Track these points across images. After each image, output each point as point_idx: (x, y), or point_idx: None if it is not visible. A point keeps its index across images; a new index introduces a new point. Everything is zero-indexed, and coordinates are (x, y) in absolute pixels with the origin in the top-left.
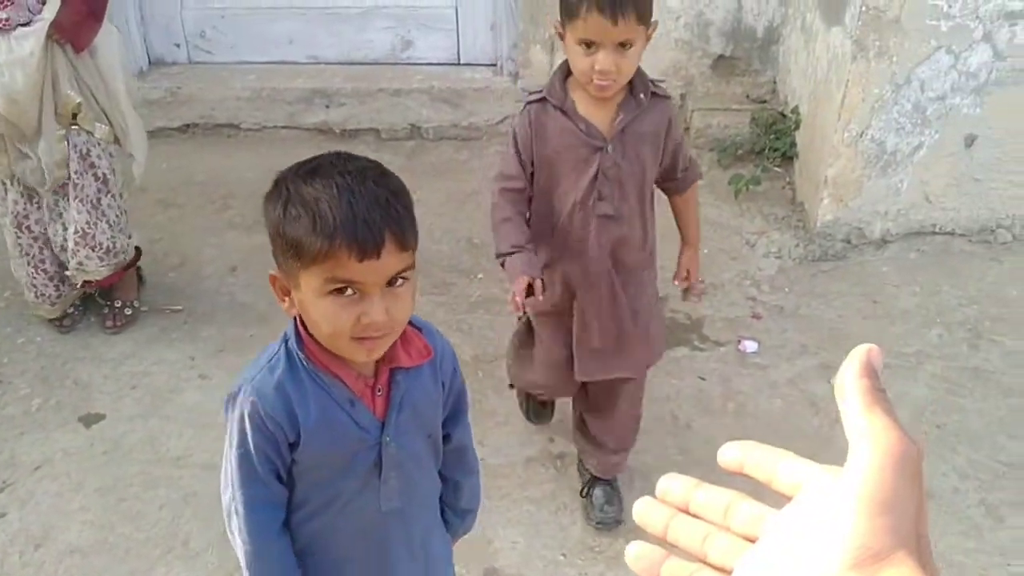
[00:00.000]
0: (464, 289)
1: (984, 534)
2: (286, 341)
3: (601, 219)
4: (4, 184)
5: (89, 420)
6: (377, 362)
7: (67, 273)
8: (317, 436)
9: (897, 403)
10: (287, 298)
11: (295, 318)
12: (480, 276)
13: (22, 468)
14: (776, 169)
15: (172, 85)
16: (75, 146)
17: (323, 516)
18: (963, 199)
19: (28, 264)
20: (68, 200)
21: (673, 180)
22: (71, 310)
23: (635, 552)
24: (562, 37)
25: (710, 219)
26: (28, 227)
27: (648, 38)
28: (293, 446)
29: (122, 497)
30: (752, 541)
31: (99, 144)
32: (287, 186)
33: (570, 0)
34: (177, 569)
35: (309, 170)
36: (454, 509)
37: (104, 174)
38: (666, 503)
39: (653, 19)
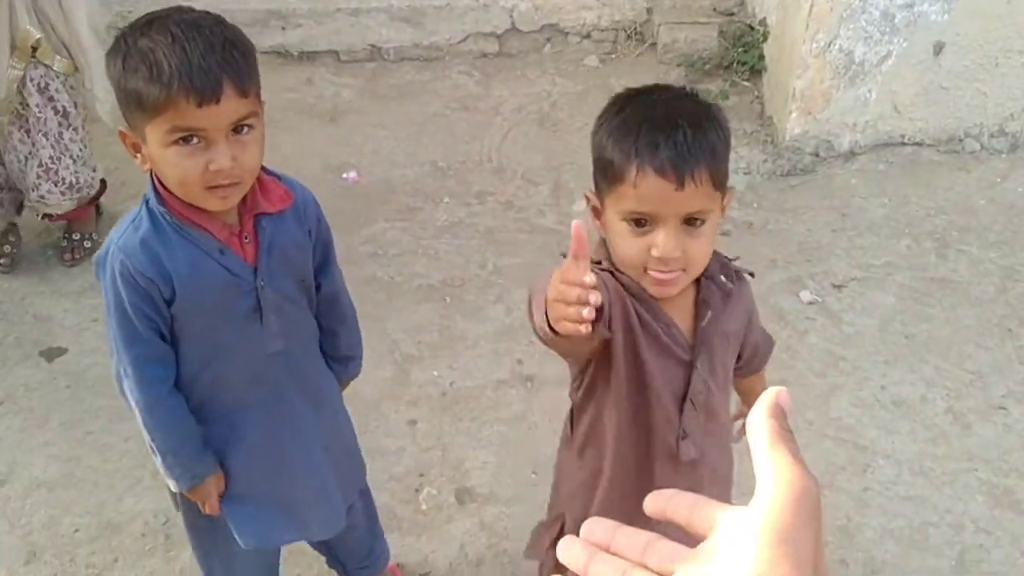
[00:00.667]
0: (430, 214)
1: (952, 441)
2: (147, 201)
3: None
4: None
5: (51, 354)
6: (240, 212)
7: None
8: (190, 287)
9: (867, 313)
10: (139, 155)
11: (151, 176)
12: (446, 200)
13: None
14: (744, 83)
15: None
16: (32, 80)
17: (212, 367)
18: (931, 109)
19: None
20: (28, 134)
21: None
22: (8, 248)
23: (564, 548)
24: (598, 213)
25: None
26: None
27: (723, 210)
28: (170, 303)
29: (88, 430)
30: None
31: (58, 77)
32: (125, 40)
33: (610, 159)
34: (146, 500)
35: (146, 23)
36: (336, 357)
37: (64, 107)
38: (589, 542)
39: (729, 184)
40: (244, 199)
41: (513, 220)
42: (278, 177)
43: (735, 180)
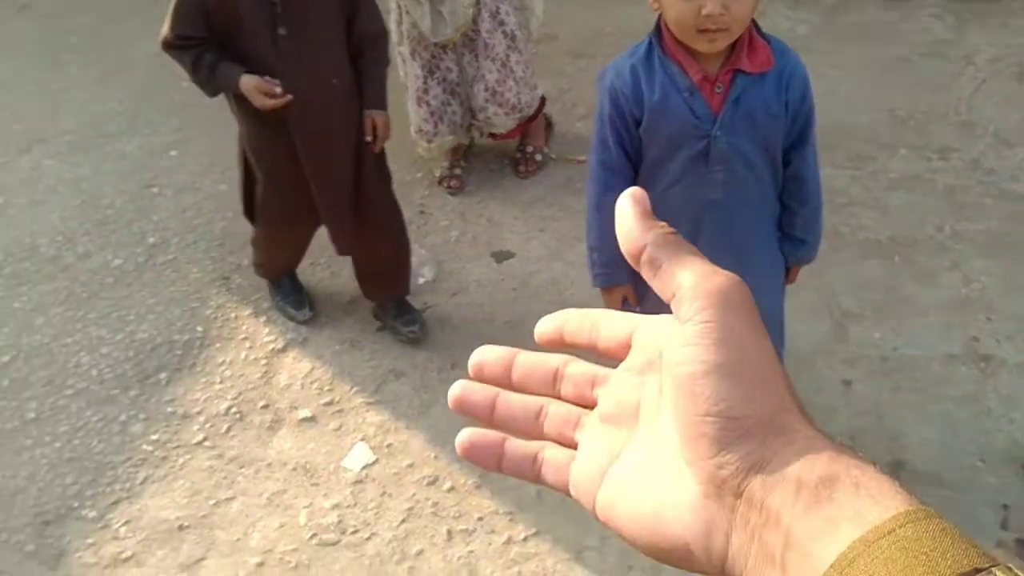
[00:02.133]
0: (884, 164)
1: None
2: (651, 36)
3: None
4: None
5: (500, 256)
6: (722, 65)
7: (469, 122)
8: (656, 115)
9: None
10: None
11: (658, 17)
12: (902, 151)
13: (441, 293)
14: None
15: None
16: (486, 4)
17: (655, 202)
18: None
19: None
20: (476, 57)
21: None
22: (458, 171)
23: (466, 440)
24: None
25: None
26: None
27: None
28: (639, 124)
29: (527, 333)
30: (588, 407)
31: (507, 0)
32: None
33: None
34: None
35: None
36: (789, 236)
37: (512, 31)
38: (484, 381)
39: None
40: (730, 53)
41: (979, 182)
42: (768, 42)
43: None
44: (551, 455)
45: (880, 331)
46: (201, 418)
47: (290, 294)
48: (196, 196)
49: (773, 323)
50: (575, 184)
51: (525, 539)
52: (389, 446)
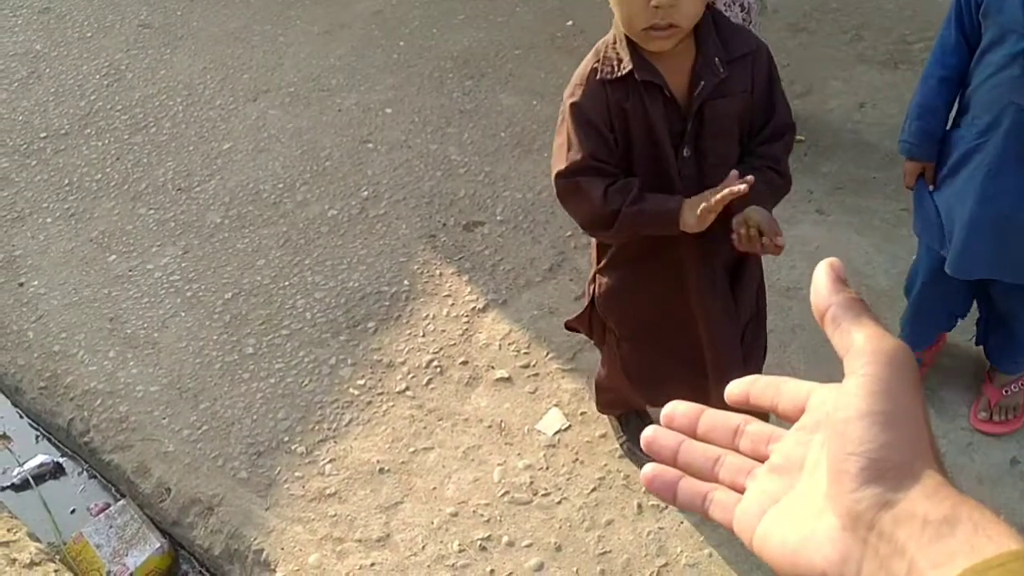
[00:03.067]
0: None
1: None
2: None
3: None
4: None
5: None
6: None
7: None
8: (992, 1)
9: None
10: None
11: None
12: None
13: None
14: None
15: None
16: None
17: (972, 85)
18: None
19: None
20: None
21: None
22: None
23: (650, 473)
24: None
25: None
26: None
27: None
28: (979, 6)
29: None
30: (761, 460)
31: None
32: None
33: None
34: None
35: None
36: None
37: (749, 3)
38: (673, 429)
39: None
40: None
41: None
42: None
43: None
44: (720, 496)
45: None
46: (404, 368)
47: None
48: (408, 154)
49: None
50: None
51: None
52: (583, 414)
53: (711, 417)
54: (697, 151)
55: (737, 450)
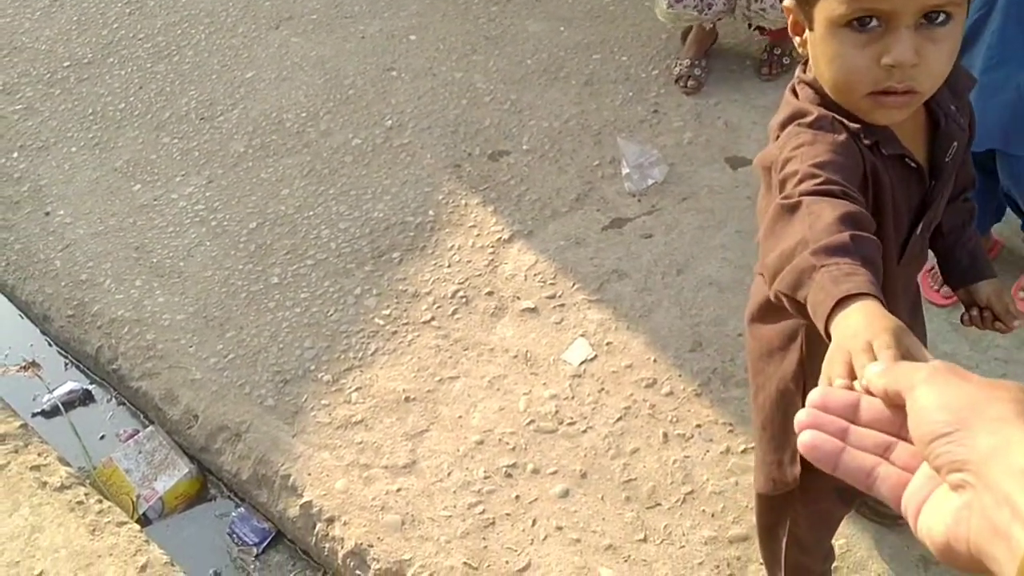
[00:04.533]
0: None
1: None
2: None
3: None
4: None
5: (735, 163)
6: None
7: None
8: None
9: None
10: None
11: None
12: None
13: (670, 196)
14: None
15: None
16: None
17: None
18: None
19: None
20: None
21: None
22: (697, 71)
23: (808, 441)
24: (799, 29)
25: None
26: None
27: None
28: None
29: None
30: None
31: None
32: None
33: None
34: None
35: None
36: None
37: None
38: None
39: None
40: None
41: None
42: None
43: None
44: (886, 472)
45: None
46: (430, 298)
47: None
48: (432, 82)
49: None
50: None
51: (744, 451)
52: (609, 344)
53: (872, 403)
54: (927, 226)
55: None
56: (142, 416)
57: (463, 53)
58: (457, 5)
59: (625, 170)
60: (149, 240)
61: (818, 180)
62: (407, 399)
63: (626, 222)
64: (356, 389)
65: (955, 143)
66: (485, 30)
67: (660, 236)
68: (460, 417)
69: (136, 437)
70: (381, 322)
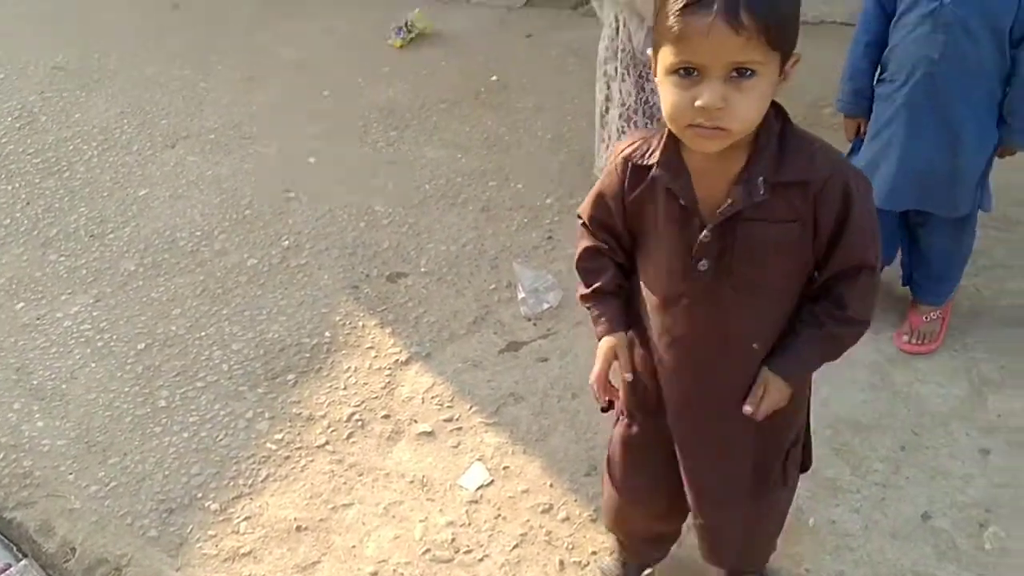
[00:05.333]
0: None
1: None
2: None
3: None
4: None
5: None
6: None
7: None
8: None
9: None
10: None
11: None
12: None
13: (564, 320)
14: None
15: None
16: None
17: (892, 42)
18: None
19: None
20: None
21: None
22: None
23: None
24: (656, 73)
25: None
26: None
27: (784, 76)
28: None
29: None
30: None
31: None
32: None
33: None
34: None
35: None
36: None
37: None
38: None
39: (796, 50)
40: None
41: None
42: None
43: None
44: None
45: (1022, 402)
46: (324, 422)
47: None
48: (331, 204)
49: (966, 179)
50: None
51: None
52: (505, 468)
53: None
54: (719, 268)
55: None
56: (15, 549)
57: (362, 176)
58: (356, 129)
59: (521, 294)
60: (30, 361)
61: (586, 210)
62: (299, 528)
63: (522, 345)
64: (245, 518)
65: (730, 200)
66: (384, 155)
67: (555, 360)
68: (354, 547)
69: (8, 572)
70: (273, 447)
